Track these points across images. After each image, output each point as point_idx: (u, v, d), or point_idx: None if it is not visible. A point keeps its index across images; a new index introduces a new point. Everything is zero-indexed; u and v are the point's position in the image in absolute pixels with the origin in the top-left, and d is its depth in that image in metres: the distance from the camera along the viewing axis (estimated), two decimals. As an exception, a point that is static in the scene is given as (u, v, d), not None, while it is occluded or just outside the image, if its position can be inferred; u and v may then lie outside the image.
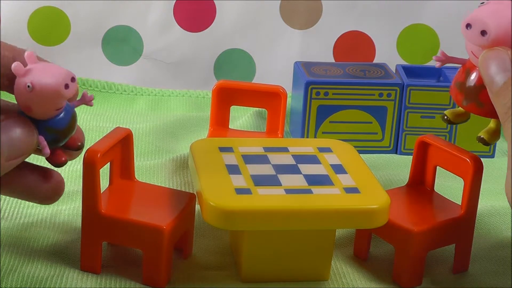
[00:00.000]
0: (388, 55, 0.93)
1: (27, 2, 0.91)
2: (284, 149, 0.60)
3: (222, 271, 0.57)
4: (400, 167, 0.75)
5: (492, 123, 0.56)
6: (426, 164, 0.60)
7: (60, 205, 0.63)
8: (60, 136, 0.52)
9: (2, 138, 0.49)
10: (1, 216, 0.61)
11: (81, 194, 0.54)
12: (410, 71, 0.80)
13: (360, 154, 0.60)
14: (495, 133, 0.55)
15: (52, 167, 0.54)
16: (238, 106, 0.71)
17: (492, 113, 0.53)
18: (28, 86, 0.49)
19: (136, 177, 0.59)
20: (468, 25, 0.52)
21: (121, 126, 0.61)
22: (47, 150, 0.51)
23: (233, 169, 0.56)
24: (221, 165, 0.56)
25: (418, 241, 0.55)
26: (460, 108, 0.56)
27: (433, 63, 0.93)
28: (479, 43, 0.52)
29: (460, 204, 0.58)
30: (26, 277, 0.54)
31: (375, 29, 0.93)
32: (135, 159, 0.63)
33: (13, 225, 0.60)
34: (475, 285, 0.57)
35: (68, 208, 0.63)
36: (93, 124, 0.80)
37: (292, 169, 0.57)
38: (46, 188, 0.55)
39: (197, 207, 0.58)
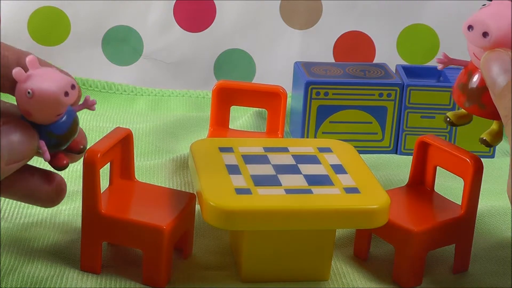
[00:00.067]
0: (388, 55, 0.93)
1: (27, 2, 0.91)
2: (284, 149, 0.60)
3: (222, 271, 0.57)
4: (400, 167, 0.75)
5: (494, 125, 0.56)
6: (426, 164, 0.60)
7: (60, 205, 0.63)
8: (61, 140, 0.52)
9: (2, 142, 0.49)
10: (1, 216, 0.61)
11: (81, 194, 0.54)
12: (410, 71, 0.80)
13: (360, 154, 0.60)
14: (498, 135, 0.55)
15: (54, 170, 0.54)
16: (238, 106, 0.71)
17: (494, 114, 0.53)
18: (28, 93, 0.49)
19: (136, 177, 0.59)
20: (470, 27, 0.52)
21: (121, 126, 0.61)
22: (47, 155, 0.51)
23: (233, 169, 0.56)
24: (221, 165, 0.56)
25: (418, 241, 0.55)
26: (462, 110, 0.56)
27: (433, 63, 0.93)
28: (481, 44, 0.52)
29: (460, 204, 0.58)
30: (26, 277, 0.54)
31: (375, 29, 0.93)
32: (135, 159, 0.63)
33: (13, 225, 0.60)
34: (475, 285, 0.57)
35: (68, 208, 0.63)
36: (93, 124, 0.80)
37: (292, 169, 0.57)
38: (48, 192, 0.55)
39: (197, 207, 0.58)
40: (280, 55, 0.93)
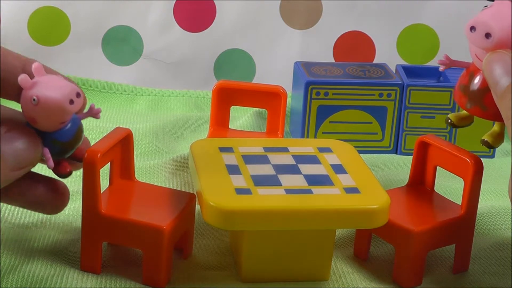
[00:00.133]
0: (388, 55, 0.93)
1: (27, 2, 0.91)
2: (284, 149, 0.60)
3: (222, 271, 0.57)
4: (400, 167, 0.75)
5: (496, 126, 0.56)
6: (426, 164, 0.60)
7: (60, 205, 0.63)
8: (65, 148, 0.52)
9: (7, 149, 0.49)
10: (1, 216, 0.61)
11: (81, 194, 0.54)
12: (410, 71, 0.80)
13: (360, 154, 0.60)
14: (499, 136, 0.55)
15: (57, 177, 0.54)
16: (238, 106, 0.71)
17: (496, 116, 0.53)
18: (34, 100, 0.49)
19: (136, 177, 0.59)
20: (472, 28, 0.52)
21: (121, 126, 0.61)
22: (51, 163, 0.51)
23: (233, 169, 0.56)
24: (221, 165, 0.56)
25: (418, 241, 0.55)
26: (463, 111, 0.56)
27: (433, 63, 0.93)
28: (483, 45, 0.52)
29: (460, 204, 0.58)
30: (27, 276, 0.54)
31: (375, 29, 0.93)
32: (135, 159, 0.63)
33: (13, 224, 0.60)
34: (475, 285, 0.57)
35: (68, 208, 0.63)
36: (93, 124, 0.80)
37: (292, 169, 0.57)
38: (51, 199, 0.56)
39: (197, 207, 0.58)
40: (280, 55, 0.93)
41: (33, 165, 0.51)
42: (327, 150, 0.60)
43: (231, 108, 0.71)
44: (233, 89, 0.70)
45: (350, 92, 0.76)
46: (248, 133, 0.75)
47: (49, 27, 0.91)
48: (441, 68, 0.56)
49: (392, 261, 0.58)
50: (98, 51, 0.92)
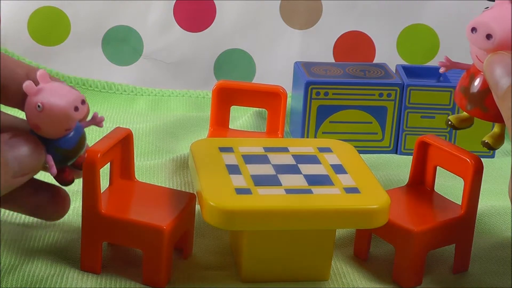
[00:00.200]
0: (388, 55, 0.93)
1: (27, 2, 0.91)
2: (284, 149, 0.60)
3: (222, 271, 0.57)
4: (400, 167, 0.75)
5: (496, 128, 0.56)
6: (426, 164, 0.60)
7: (60, 205, 0.63)
8: (68, 155, 0.52)
9: (10, 155, 0.50)
10: (1, 216, 0.61)
11: (81, 194, 0.54)
12: (410, 71, 0.80)
13: (360, 154, 0.60)
14: (500, 138, 0.55)
15: (59, 184, 0.54)
16: (238, 106, 0.71)
17: (496, 117, 0.53)
18: (38, 106, 0.49)
19: (136, 177, 0.59)
20: (473, 29, 0.52)
21: (121, 126, 0.61)
22: (54, 170, 0.52)
23: (233, 169, 0.56)
24: (221, 165, 0.56)
25: (418, 241, 0.55)
26: (464, 113, 0.56)
27: (433, 63, 0.93)
28: (484, 47, 0.52)
29: (460, 204, 0.58)
30: (27, 276, 0.54)
31: (375, 29, 0.93)
32: (135, 159, 0.63)
33: (13, 225, 0.60)
34: (475, 285, 0.57)
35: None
36: (93, 124, 0.80)
37: (292, 169, 0.57)
38: (52, 207, 0.56)
39: (197, 207, 0.58)
40: (280, 55, 0.93)
41: (36, 172, 0.52)
42: (327, 150, 0.60)
43: (231, 108, 0.71)
44: (233, 89, 0.70)
45: (350, 92, 0.76)
46: (248, 133, 0.75)
47: (49, 27, 0.91)
48: (441, 70, 0.56)
49: (392, 261, 0.58)
50: (98, 51, 0.92)
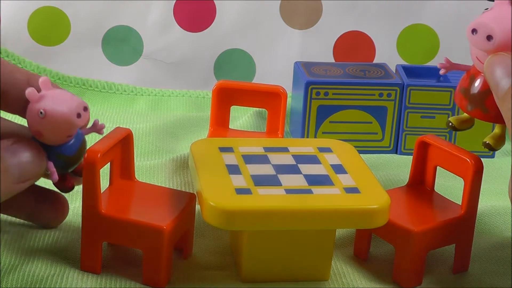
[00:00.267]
0: (388, 55, 0.93)
1: (27, 2, 0.91)
2: (284, 149, 0.60)
3: (222, 271, 0.57)
4: (400, 167, 0.75)
5: (497, 129, 0.56)
6: (426, 164, 0.60)
7: (60, 205, 0.63)
8: (69, 162, 0.52)
9: (12, 161, 0.50)
10: (1, 215, 0.61)
11: (81, 194, 0.54)
12: (410, 71, 0.80)
13: (360, 154, 0.60)
14: (501, 139, 0.56)
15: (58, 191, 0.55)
16: (238, 106, 0.71)
17: (497, 118, 0.53)
18: (41, 113, 0.50)
19: (136, 177, 0.59)
20: (473, 30, 0.52)
21: (121, 126, 0.61)
22: (56, 176, 0.52)
23: (233, 169, 0.56)
24: (221, 165, 0.56)
25: (418, 241, 0.55)
26: (464, 114, 0.56)
27: (433, 63, 0.93)
28: (485, 48, 0.52)
29: (460, 204, 0.58)
30: (27, 276, 0.54)
31: (375, 29, 0.93)
32: (135, 159, 0.63)
33: (14, 224, 0.60)
34: (475, 285, 0.57)
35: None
36: (93, 124, 0.80)
37: (292, 169, 0.57)
38: (51, 213, 0.57)
39: (197, 207, 0.58)
40: (280, 55, 0.93)
41: (37, 179, 0.52)
42: (327, 150, 0.60)
43: (231, 108, 0.71)
44: (233, 89, 0.70)
45: (350, 92, 0.76)
46: (248, 133, 0.75)
47: (49, 27, 0.91)
48: (441, 72, 0.56)
49: (392, 261, 0.58)
50: (98, 51, 0.92)
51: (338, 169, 0.57)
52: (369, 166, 0.59)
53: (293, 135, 0.80)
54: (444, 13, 0.92)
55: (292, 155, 0.59)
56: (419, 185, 0.61)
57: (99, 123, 0.54)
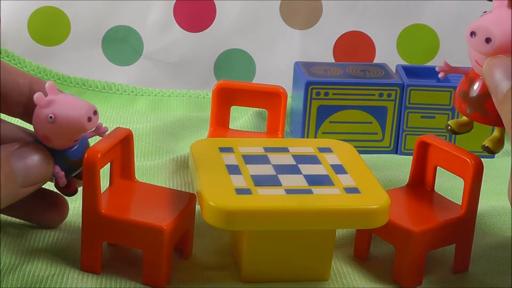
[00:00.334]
0: (388, 55, 0.93)
1: (27, 2, 0.91)
2: (284, 149, 0.60)
3: (222, 271, 0.57)
4: (400, 167, 0.75)
5: (496, 132, 0.56)
6: (426, 164, 0.60)
7: (60, 205, 0.63)
8: (75, 166, 0.53)
9: (19, 165, 0.50)
10: (1, 215, 0.61)
11: (81, 194, 0.54)
12: (410, 71, 0.80)
13: (360, 154, 0.60)
14: (500, 142, 0.56)
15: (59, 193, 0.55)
16: (238, 106, 0.71)
17: (496, 121, 0.53)
18: (51, 117, 0.50)
19: (136, 177, 0.59)
20: (472, 33, 0.52)
21: (121, 126, 0.61)
22: (64, 180, 0.52)
23: (233, 169, 0.56)
24: (221, 165, 0.56)
25: (418, 241, 0.55)
26: (464, 117, 0.56)
27: (434, 63, 0.93)
28: (483, 50, 0.52)
29: (460, 204, 0.58)
30: (27, 276, 0.54)
31: (375, 29, 0.93)
32: (135, 159, 0.63)
33: (14, 224, 0.60)
34: (475, 285, 0.57)
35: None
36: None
37: (292, 169, 0.57)
38: (51, 214, 0.58)
39: (197, 207, 0.58)
40: (280, 55, 0.93)
41: (44, 182, 0.52)
42: (327, 150, 0.60)
43: (231, 108, 0.71)
44: (233, 89, 0.70)
45: (350, 92, 0.76)
46: (248, 133, 0.75)
47: (49, 27, 0.91)
48: (440, 75, 0.56)
49: (392, 261, 0.58)
50: (98, 51, 0.92)
51: (338, 169, 0.57)
52: (369, 166, 0.59)
53: (293, 135, 0.80)
54: (444, 13, 0.92)
55: (292, 155, 0.59)
56: (419, 185, 0.61)
57: (102, 126, 0.54)
